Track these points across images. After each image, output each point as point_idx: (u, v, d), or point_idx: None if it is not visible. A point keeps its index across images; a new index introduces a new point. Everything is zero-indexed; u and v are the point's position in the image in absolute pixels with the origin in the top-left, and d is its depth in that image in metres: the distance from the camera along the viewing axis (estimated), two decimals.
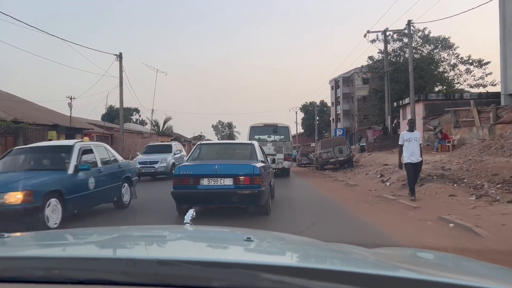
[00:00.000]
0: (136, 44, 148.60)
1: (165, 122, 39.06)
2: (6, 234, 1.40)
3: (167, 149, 19.43)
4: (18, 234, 1.60)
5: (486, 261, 1.61)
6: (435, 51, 44.58)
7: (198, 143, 9.54)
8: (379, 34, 34.76)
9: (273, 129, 18.93)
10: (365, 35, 34.52)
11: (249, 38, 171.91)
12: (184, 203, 7.35)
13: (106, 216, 8.20)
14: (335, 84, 71.22)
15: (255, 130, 18.83)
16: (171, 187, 7.31)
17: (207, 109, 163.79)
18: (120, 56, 25.57)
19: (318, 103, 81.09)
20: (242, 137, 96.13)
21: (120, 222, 7.42)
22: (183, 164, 8.01)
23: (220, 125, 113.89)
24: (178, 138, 40.77)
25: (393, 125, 31.47)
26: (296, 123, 76.55)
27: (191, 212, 1.92)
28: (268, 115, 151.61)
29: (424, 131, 24.01)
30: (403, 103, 28.35)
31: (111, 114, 71.52)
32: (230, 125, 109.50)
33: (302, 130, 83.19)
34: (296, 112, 76.65)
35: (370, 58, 46.66)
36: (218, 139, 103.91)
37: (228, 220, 7.24)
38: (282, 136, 18.90)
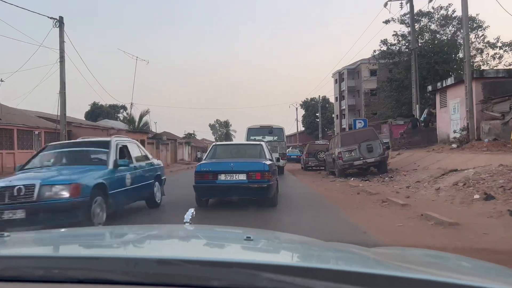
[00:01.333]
0: (129, 39, 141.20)
1: (141, 117, 31.66)
2: (6, 233, 1.35)
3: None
4: (18, 233, 1.54)
5: (486, 261, 1.50)
6: (458, 32, 37.21)
7: (213, 144, 10.88)
8: (403, 2, 27.19)
9: (269, 130, 19.70)
10: (385, 5, 27.16)
11: (246, 31, 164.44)
12: (204, 195, 8.33)
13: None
14: (339, 77, 63.74)
15: (251, 131, 19.44)
16: None
17: (203, 107, 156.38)
18: (60, 21, 18.05)
19: (320, 98, 73.90)
20: (238, 135, 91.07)
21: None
22: (203, 162, 8.66)
23: (217, 124, 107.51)
24: (159, 136, 33.22)
25: (426, 115, 24.06)
26: (297, 120, 69.23)
27: (191, 211, 1.88)
28: (266, 111, 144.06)
29: (484, 119, 16.60)
30: (443, 85, 20.83)
31: (95, 112, 64.22)
32: (226, 124, 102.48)
33: (302, 128, 75.59)
34: (296, 109, 69.30)
35: (384, 42, 39.22)
36: (216, 138, 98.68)
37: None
38: (277, 137, 19.54)
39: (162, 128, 78.70)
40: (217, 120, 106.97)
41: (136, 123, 31.24)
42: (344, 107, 62.85)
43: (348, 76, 61.25)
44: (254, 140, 16.95)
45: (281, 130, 20.23)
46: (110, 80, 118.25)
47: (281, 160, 18.29)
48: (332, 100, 70.73)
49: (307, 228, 6.12)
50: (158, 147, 32.90)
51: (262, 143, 10.00)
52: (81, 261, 1.07)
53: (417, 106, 25.22)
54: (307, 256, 1.44)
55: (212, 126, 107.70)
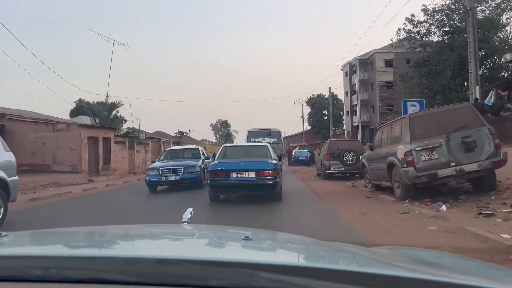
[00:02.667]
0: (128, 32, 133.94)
1: (110, 110, 24.38)
2: (3, 233, 1.30)
3: None
4: (16, 232, 1.50)
5: (486, 261, 1.49)
6: (502, 7, 29.85)
7: (223, 145, 11.21)
8: None
9: (267, 133, 20.71)
10: None
11: (248, 22, 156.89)
12: (218, 191, 8.82)
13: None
14: (350, 69, 56.21)
15: (252, 134, 20.33)
16: None
17: (202, 104, 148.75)
18: None
19: (327, 94, 66.54)
20: (240, 137, 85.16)
21: None
22: (216, 162, 9.04)
23: (219, 124, 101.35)
24: (132, 133, 25.86)
25: (493, 99, 16.53)
26: (303, 118, 61.67)
27: (189, 211, 1.79)
28: (269, 111, 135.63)
29: None
30: None
31: (81, 109, 57.03)
32: (226, 124, 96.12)
33: (308, 127, 67.95)
34: (302, 105, 61.80)
35: (410, 20, 31.91)
36: (217, 139, 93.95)
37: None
38: (275, 139, 20.44)
39: (155, 127, 71.17)
40: (218, 120, 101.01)
41: (102, 117, 23.81)
42: (355, 102, 55.30)
43: (360, 68, 53.69)
44: (254, 142, 17.75)
45: (278, 132, 21.30)
46: (98, 72, 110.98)
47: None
48: (340, 96, 63.30)
49: None
50: (133, 147, 25.54)
51: (268, 144, 10.64)
52: (79, 261, 1.03)
53: (477, 87, 17.69)
54: (306, 255, 1.40)
55: (214, 126, 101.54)
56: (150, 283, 0.90)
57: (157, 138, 32.56)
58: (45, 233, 1.69)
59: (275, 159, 9.23)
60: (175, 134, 44.66)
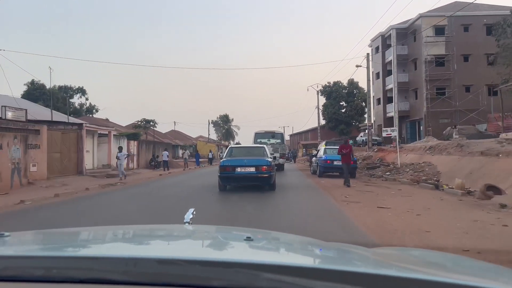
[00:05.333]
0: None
1: None
2: (6, 233, 1.27)
3: None
4: (18, 233, 1.43)
5: (486, 261, 1.46)
6: None
7: (230, 146, 14.68)
8: None
9: (272, 134, 23.12)
10: None
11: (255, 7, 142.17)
12: (226, 182, 11.29)
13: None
14: (383, 42, 41.30)
15: (258, 135, 22.59)
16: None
17: (201, 99, 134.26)
18: None
19: (345, 82, 52.03)
20: (242, 133, 73.44)
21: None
22: (224, 159, 11.70)
23: (220, 121, 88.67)
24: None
25: None
26: (318, 108, 46.85)
27: (190, 211, 1.76)
28: (278, 102, 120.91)
29: None
30: None
31: (34, 94, 42.80)
32: (227, 118, 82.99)
33: (323, 121, 53.07)
34: (318, 92, 46.99)
35: None
36: (218, 136, 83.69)
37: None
38: (279, 140, 22.85)
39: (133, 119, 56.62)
40: (219, 116, 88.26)
41: None
42: (390, 86, 40.43)
43: (397, 39, 38.82)
44: (260, 142, 20.36)
45: (281, 134, 24.00)
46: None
47: (281, 159, 21.68)
48: (362, 83, 48.63)
49: None
50: None
51: (265, 146, 13.63)
52: (81, 261, 1.01)
53: None
54: (307, 256, 1.39)
55: (215, 123, 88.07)
56: (152, 283, 0.88)
57: (75, 123, 17.83)
58: (47, 233, 1.64)
59: (270, 158, 11.88)
60: (138, 122, 30.22)
